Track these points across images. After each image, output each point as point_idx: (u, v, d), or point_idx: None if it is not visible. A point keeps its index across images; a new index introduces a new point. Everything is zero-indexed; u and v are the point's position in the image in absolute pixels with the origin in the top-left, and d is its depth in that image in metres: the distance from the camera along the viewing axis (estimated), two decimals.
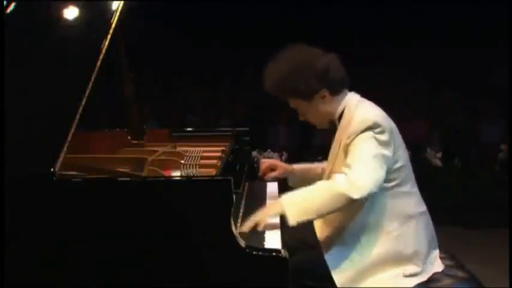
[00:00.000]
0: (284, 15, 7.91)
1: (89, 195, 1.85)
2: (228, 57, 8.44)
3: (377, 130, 2.06)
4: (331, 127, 2.26)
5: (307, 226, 2.09)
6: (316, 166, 2.58)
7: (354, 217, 2.13)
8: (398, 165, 2.12)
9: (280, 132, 7.01)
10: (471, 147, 6.22)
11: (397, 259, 2.10)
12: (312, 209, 2.01)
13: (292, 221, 2.01)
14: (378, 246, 2.10)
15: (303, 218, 2.01)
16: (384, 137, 2.06)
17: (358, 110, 2.15)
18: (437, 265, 2.20)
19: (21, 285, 1.83)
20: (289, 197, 2.07)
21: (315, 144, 6.68)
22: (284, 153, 6.50)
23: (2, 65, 1.99)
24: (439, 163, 5.77)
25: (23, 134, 1.93)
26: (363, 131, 2.06)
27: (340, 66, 2.20)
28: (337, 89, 2.20)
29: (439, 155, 5.81)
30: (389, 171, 2.07)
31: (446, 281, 2.16)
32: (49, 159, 1.84)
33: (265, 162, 2.67)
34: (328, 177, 2.17)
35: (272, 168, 2.61)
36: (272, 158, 6.37)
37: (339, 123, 2.21)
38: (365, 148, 2.04)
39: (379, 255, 2.10)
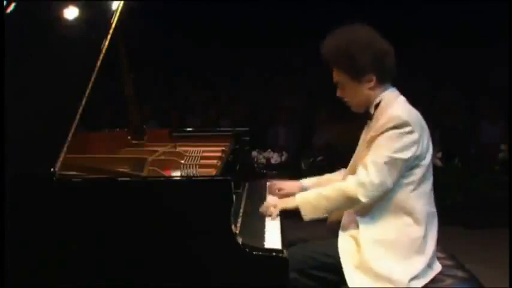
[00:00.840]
0: (284, 15, 7.91)
1: (89, 195, 1.85)
2: (228, 57, 8.44)
3: (406, 129, 2.09)
4: (365, 115, 2.27)
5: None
6: (328, 178, 2.56)
7: (368, 211, 2.16)
8: (425, 162, 2.14)
9: (280, 132, 7.00)
10: (471, 147, 6.21)
11: (404, 252, 2.10)
12: (323, 207, 2.20)
13: (305, 217, 2.21)
14: (387, 239, 2.11)
15: (314, 215, 2.21)
16: (412, 137, 2.09)
17: (394, 107, 2.16)
18: (437, 267, 2.20)
19: (21, 285, 1.83)
20: (303, 194, 2.28)
21: (314, 144, 6.68)
22: (284, 153, 6.50)
23: (2, 65, 1.99)
24: (439, 163, 5.75)
25: (23, 134, 1.93)
26: (389, 129, 2.09)
27: (394, 59, 2.24)
28: (384, 79, 2.23)
29: (439, 155, 5.79)
30: (415, 167, 2.12)
31: (446, 281, 2.15)
32: (49, 159, 1.84)
33: (272, 185, 2.66)
34: (351, 167, 2.31)
35: (279, 188, 2.60)
36: (272, 157, 6.39)
37: (373, 115, 2.22)
38: (384, 150, 2.08)
39: (385, 247, 2.11)
